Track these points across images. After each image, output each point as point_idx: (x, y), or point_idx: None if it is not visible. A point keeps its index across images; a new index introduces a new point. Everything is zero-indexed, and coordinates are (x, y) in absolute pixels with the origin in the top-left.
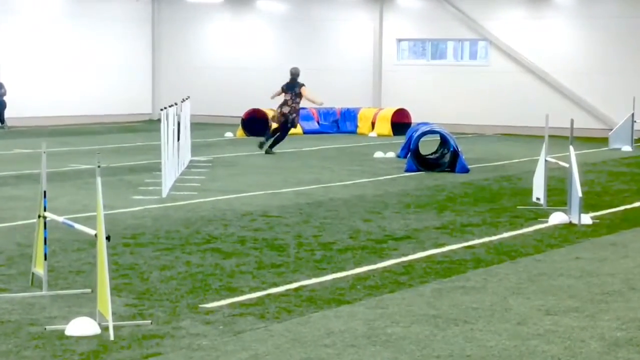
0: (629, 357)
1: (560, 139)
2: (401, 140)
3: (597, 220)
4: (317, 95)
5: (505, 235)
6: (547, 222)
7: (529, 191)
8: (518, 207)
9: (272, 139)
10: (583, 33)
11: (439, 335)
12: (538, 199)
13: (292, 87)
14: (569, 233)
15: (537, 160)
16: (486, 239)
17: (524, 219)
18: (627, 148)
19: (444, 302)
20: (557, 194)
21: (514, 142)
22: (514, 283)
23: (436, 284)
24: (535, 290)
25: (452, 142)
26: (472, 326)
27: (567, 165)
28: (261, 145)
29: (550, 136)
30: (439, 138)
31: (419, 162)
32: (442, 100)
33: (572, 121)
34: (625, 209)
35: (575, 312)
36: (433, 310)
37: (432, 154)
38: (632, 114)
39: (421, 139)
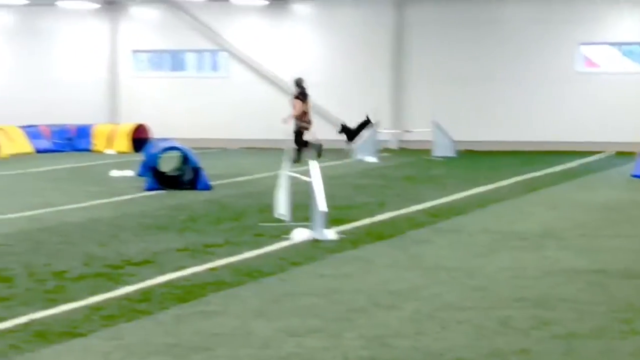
0: None
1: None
2: (141, 157)
3: (343, 235)
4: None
5: (248, 255)
6: (290, 239)
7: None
8: (261, 224)
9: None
10: (323, 42)
11: None
12: (281, 215)
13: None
14: (312, 250)
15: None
16: (229, 260)
17: (267, 237)
18: (371, 159)
19: (184, 329)
20: (302, 210)
21: (258, 156)
22: (256, 305)
23: (176, 310)
24: (278, 312)
25: (192, 158)
26: (213, 353)
27: (309, 179)
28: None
29: None
30: (179, 154)
31: (159, 180)
32: (183, 114)
33: (314, 133)
34: (370, 223)
35: (319, 332)
36: (172, 338)
37: (173, 171)
38: (372, 124)
39: (161, 156)
